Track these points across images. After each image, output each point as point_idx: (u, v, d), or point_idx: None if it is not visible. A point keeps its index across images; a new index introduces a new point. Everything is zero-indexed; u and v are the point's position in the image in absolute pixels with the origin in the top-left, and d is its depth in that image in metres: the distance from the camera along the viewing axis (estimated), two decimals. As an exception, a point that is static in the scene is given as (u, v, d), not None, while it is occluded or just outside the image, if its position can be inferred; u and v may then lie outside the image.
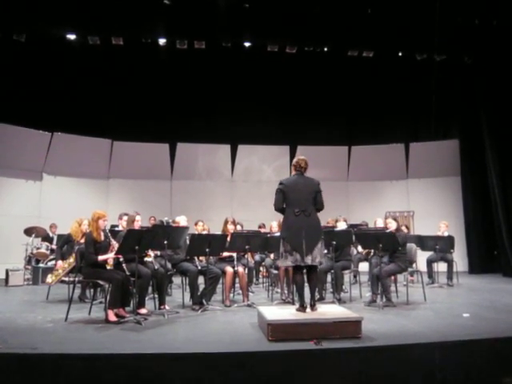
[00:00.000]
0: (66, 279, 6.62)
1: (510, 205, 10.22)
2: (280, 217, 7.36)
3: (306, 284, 4.89)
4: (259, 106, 11.79)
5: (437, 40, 9.12)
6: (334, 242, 6.41)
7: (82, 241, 6.10)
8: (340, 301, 6.43)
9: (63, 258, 6.96)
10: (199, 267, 6.27)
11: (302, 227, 4.66)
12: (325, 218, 7.33)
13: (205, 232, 7.28)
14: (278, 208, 4.87)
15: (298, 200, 4.75)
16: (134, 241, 5.14)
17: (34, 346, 3.86)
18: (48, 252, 9.19)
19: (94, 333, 4.62)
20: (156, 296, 6.03)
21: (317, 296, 5.97)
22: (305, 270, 4.85)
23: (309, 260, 4.65)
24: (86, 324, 5.03)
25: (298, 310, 4.70)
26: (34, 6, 8.81)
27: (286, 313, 4.71)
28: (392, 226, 6.60)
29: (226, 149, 12.69)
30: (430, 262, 8.67)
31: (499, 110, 10.40)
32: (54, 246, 9.22)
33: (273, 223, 8.07)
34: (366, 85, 11.87)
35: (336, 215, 7.68)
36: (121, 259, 5.54)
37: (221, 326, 4.94)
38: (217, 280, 6.25)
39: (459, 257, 9.91)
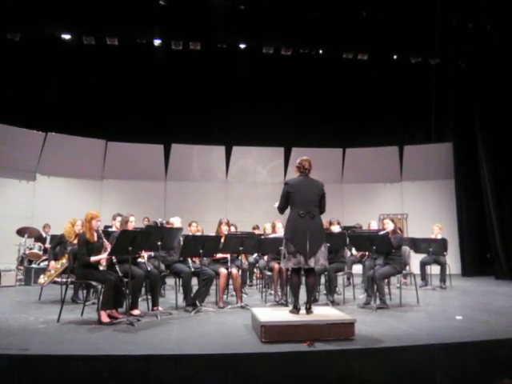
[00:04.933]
0: (59, 280, 6.59)
1: (503, 208, 10.30)
2: (274, 218, 7.48)
3: (301, 286, 4.89)
4: (254, 108, 11.80)
5: (431, 43, 9.18)
6: (328, 244, 6.39)
7: (75, 241, 6.06)
8: (333, 303, 6.43)
9: (56, 259, 6.91)
10: (193, 268, 6.25)
11: (306, 229, 4.60)
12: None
13: (199, 233, 7.27)
14: (282, 210, 4.87)
15: (303, 201, 4.69)
16: (128, 242, 5.11)
17: (26, 346, 3.84)
18: (41, 252, 9.15)
19: (86, 334, 4.59)
20: (149, 297, 5.98)
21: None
22: (303, 272, 4.84)
23: (312, 262, 4.61)
24: (78, 325, 5.00)
25: (291, 311, 4.69)
26: (29, 5, 8.77)
27: (280, 314, 4.71)
28: (389, 226, 6.61)
29: (220, 150, 12.70)
30: (423, 265, 8.70)
31: (493, 113, 10.47)
32: (47, 246, 9.17)
33: (267, 225, 8.07)
34: (360, 87, 11.91)
35: (330, 217, 7.68)
36: (114, 260, 5.52)
37: (214, 328, 4.92)
38: (210, 281, 6.23)
39: (452, 259, 9.96)
